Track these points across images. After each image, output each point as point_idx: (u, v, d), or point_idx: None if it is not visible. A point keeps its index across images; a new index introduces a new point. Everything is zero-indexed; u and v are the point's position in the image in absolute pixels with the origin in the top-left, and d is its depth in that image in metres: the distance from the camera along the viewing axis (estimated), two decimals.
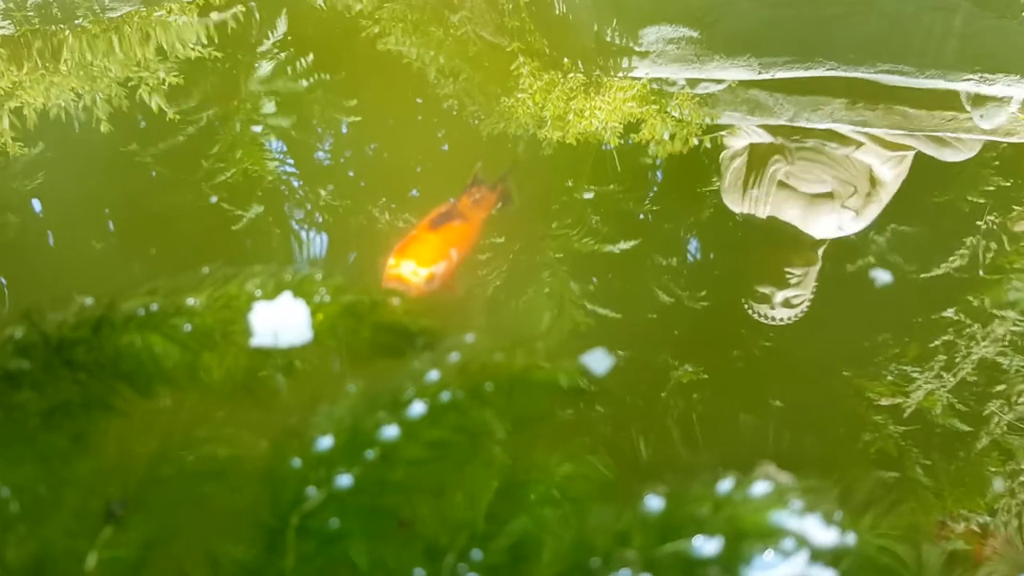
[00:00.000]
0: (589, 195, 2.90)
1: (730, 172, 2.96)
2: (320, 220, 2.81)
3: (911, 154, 2.93)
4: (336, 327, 1.61)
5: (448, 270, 2.33)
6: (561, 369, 1.50)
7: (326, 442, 1.38)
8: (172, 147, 2.99)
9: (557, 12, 3.37)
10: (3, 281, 2.55)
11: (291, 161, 3.01)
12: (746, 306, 2.68)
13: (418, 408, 1.41)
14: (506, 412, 1.41)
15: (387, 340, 1.61)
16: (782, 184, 2.91)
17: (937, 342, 2.57)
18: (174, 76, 3.13)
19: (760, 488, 1.29)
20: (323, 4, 3.60)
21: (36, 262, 2.65)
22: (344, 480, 1.33)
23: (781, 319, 2.64)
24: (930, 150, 2.94)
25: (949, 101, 3.03)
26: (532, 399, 1.47)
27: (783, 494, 1.26)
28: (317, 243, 2.74)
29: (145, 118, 3.05)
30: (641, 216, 2.89)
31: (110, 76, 3.11)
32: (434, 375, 1.46)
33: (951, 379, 2.49)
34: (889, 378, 2.48)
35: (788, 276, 2.73)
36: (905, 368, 2.50)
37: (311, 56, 3.35)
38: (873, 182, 2.90)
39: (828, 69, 3.06)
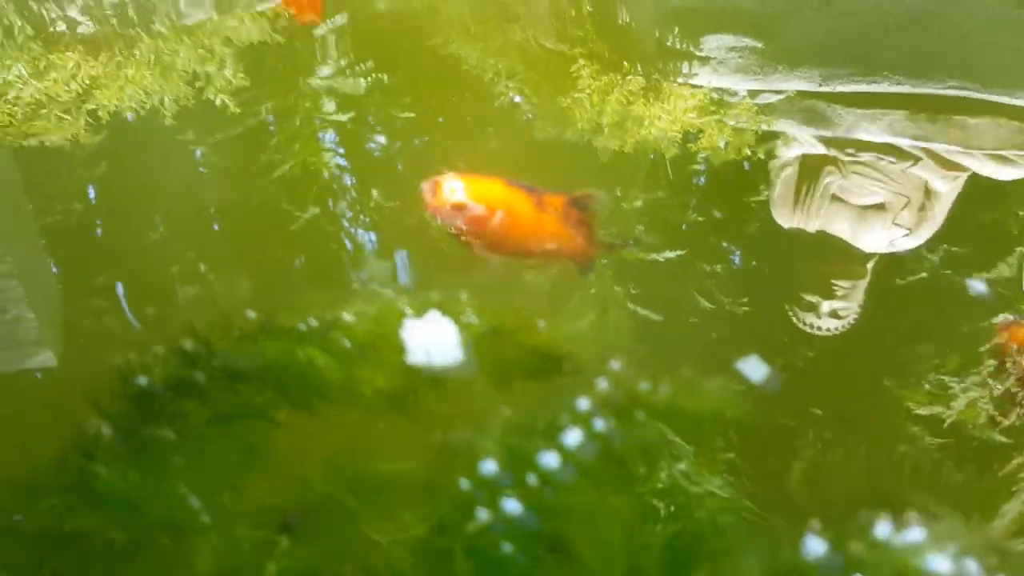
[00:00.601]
0: (638, 203, 2.88)
1: (780, 182, 3.00)
2: (367, 221, 2.82)
3: (966, 173, 2.93)
4: (484, 347, 1.62)
5: (482, 224, 2.23)
6: (714, 397, 1.52)
7: (489, 465, 1.40)
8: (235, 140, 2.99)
9: (620, 21, 3.37)
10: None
11: (342, 151, 3.01)
12: (791, 314, 2.68)
13: (573, 435, 1.43)
14: (657, 439, 1.43)
15: (532, 362, 1.63)
16: (834, 197, 2.93)
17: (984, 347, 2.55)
18: (240, 77, 3.11)
19: (914, 533, 1.31)
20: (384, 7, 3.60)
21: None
22: (510, 504, 1.35)
23: (827, 329, 2.64)
24: (989, 170, 2.96)
25: (1016, 114, 3.04)
26: (683, 425, 1.49)
27: (937, 539, 1.28)
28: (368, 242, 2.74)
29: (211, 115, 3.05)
30: (685, 226, 2.92)
31: (179, 69, 3.11)
32: (584, 403, 1.48)
33: (997, 387, 2.49)
34: (927, 386, 2.46)
35: (836, 288, 2.74)
36: (943, 378, 2.50)
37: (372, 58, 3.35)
38: (928, 195, 2.92)
39: (892, 84, 3.08)
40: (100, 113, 2.98)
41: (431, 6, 3.59)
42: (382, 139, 3.13)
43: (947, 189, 2.93)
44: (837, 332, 2.66)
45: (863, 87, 3.10)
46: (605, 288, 2.55)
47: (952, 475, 2.26)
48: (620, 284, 2.57)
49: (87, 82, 3.04)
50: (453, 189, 2.19)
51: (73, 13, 3.27)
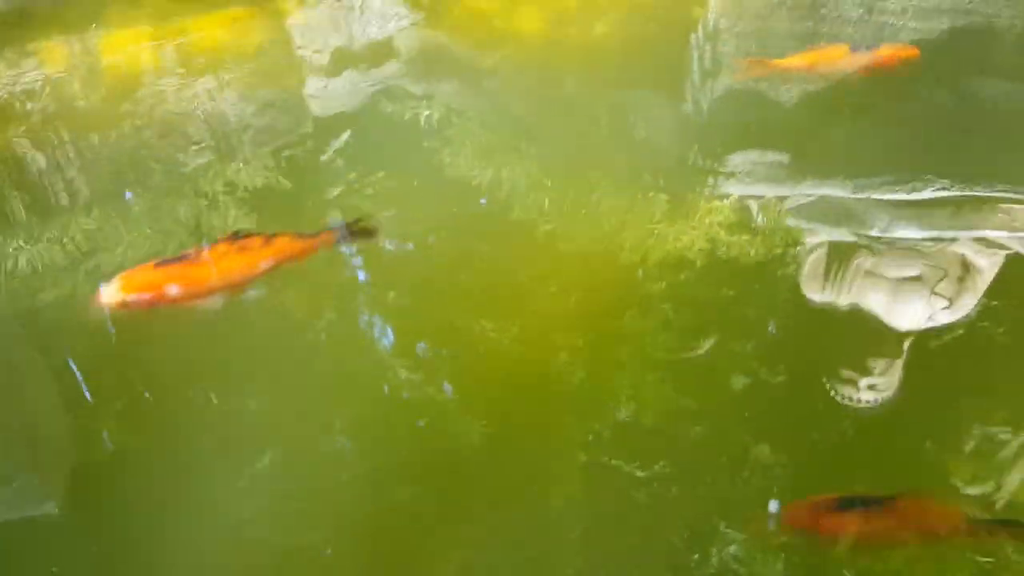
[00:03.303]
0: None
1: (809, 263, 2.87)
2: None
3: (1008, 251, 2.86)
4: None
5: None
6: None
7: None
8: None
9: (638, 136, 3.37)
10: None
11: None
12: (829, 387, 2.53)
13: None
14: None
15: None
16: (868, 272, 2.82)
17: None
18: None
19: None
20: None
21: None
22: None
23: (867, 401, 2.49)
24: None
25: None
26: None
27: None
28: None
29: None
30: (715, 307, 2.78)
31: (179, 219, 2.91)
32: None
33: None
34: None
35: (872, 366, 2.57)
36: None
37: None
38: (966, 268, 2.80)
39: (936, 189, 3.00)
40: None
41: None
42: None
43: (987, 262, 2.81)
44: (876, 405, 2.48)
45: (903, 195, 3.01)
46: None
47: None
48: None
49: (84, 241, 2.85)
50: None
51: (73, 174, 3.10)
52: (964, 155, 3.14)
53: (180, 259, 2.69)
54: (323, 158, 3.42)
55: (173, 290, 2.63)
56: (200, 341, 2.70)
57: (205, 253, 2.71)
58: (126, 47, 3.86)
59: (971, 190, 2.99)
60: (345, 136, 3.53)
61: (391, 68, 3.88)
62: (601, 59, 3.87)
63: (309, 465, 2.43)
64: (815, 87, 3.55)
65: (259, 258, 2.70)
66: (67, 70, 3.75)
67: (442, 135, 3.47)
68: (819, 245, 2.91)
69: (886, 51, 3.59)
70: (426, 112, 3.59)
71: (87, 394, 2.59)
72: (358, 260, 2.97)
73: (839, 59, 3.55)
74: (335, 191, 3.24)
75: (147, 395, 2.59)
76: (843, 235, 2.94)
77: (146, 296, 2.61)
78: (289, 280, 2.73)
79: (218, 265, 2.71)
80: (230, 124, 3.58)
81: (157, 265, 2.69)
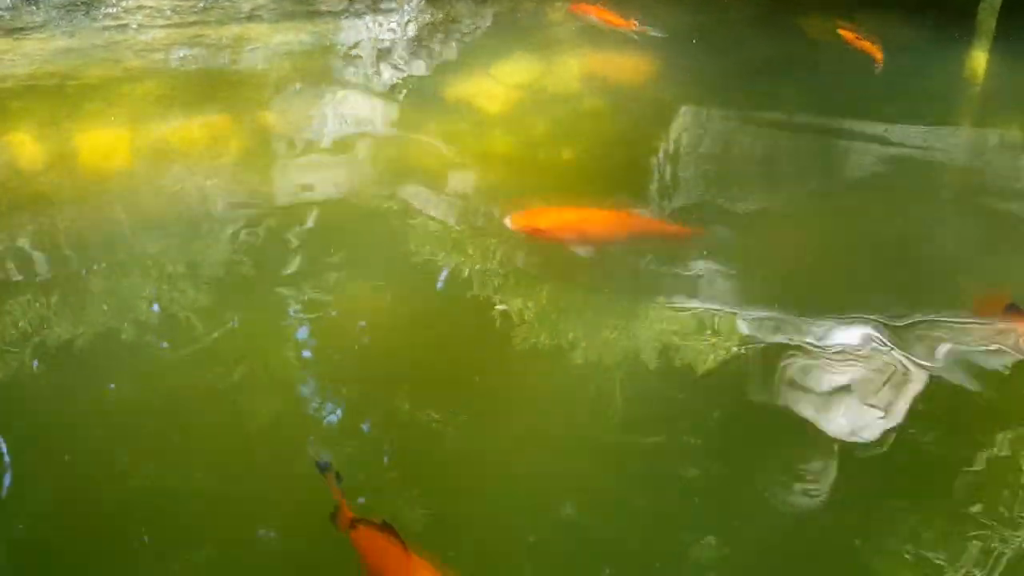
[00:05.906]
0: None
1: (752, 365, 2.97)
2: None
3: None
4: None
5: None
6: None
7: None
8: None
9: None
10: None
11: None
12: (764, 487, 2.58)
13: None
14: None
15: None
16: (795, 384, 2.87)
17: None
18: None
19: None
20: None
21: None
22: None
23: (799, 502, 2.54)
24: None
25: None
26: None
27: None
28: None
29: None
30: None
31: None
32: None
33: None
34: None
35: (803, 473, 2.62)
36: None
37: None
38: (904, 372, 2.87)
39: (866, 321, 3.10)
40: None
41: None
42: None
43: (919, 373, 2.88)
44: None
45: (836, 328, 3.08)
46: None
47: None
48: None
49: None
50: None
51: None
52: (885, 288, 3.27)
53: None
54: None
55: None
56: None
57: None
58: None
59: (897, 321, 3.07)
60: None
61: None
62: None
63: None
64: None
65: None
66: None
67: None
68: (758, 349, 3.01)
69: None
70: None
71: None
72: None
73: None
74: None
75: None
76: (781, 339, 3.03)
77: None
78: None
79: None
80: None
81: None
